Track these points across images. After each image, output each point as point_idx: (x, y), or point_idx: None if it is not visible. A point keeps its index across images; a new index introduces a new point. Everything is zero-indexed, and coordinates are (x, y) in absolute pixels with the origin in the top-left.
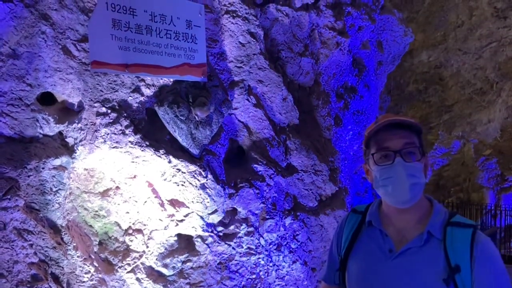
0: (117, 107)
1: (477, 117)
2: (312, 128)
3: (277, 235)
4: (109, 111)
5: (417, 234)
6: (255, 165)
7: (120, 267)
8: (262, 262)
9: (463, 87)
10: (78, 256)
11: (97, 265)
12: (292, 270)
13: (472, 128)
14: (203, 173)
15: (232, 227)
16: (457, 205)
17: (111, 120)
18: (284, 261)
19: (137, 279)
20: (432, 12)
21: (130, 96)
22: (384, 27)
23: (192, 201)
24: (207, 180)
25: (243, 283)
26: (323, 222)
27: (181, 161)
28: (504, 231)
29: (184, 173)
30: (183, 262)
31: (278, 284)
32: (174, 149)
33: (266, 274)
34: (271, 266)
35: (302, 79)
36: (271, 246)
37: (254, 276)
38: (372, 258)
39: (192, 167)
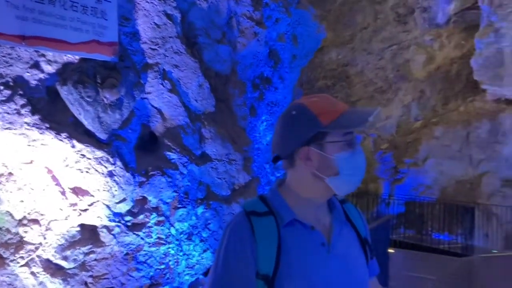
0: (11, 83)
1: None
2: (227, 117)
3: (189, 224)
4: (1, 87)
5: (331, 220)
6: (168, 153)
7: (12, 261)
8: (172, 252)
9: (366, 85)
10: None
11: None
12: (203, 259)
13: (372, 124)
14: (111, 159)
15: (141, 217)
16: (356, 195)
17: (4, 98)
18: (195, 250)
19: (32, 273)
20: (342, 12)
21: (28, 72)
22: (300, 21)
23: (98, 189)
24: (115, 167)
25: (151, 273)
26: (235, 211)
27: (87, 146)
28: (396, 219)
29: (90, 159)
30: (86, 254)
31: (188, 273)
32: (79, 133)
33: (175, 263)
34: (181, 256)
35: (219, 66)
36: (182, 235)
37: (163, 266)
38: (309, 258)
39: (99, 153)
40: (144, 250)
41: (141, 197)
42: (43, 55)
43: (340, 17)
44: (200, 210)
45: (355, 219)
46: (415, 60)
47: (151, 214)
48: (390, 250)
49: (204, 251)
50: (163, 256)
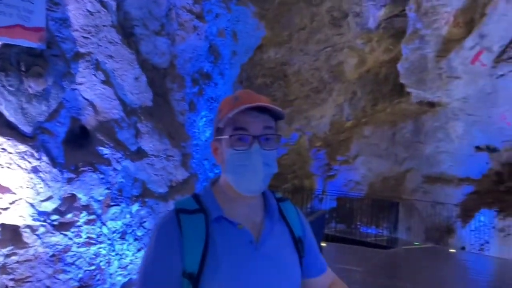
0: None
1: (312, 112)
2: (165, 111)
3: (122, 223)
4: None
5: (263, 217)
6: (100, 148)
7: None
8: (104, 252)
9: (302, 85)
10: None
11: None
12: (137, 258)
13: (308, 122)
14: (36, 154)
15: (69, 215)
16: (292, 191)
17: None
18: (128, 250)
19: None
20: (281, 12)
21: None
22: (239, 18)
23: (21, 187)
24: (40, 162)
25: (80, 275)
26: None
27: (8, 139)
28: (328, 214)
29: (11, 153)
30: (7, 256)
31: (121, 274)
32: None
33: (107, 264)
34: (113, 256)
35: (157, 59)
36: (114, 234)
37: (93, 267)
38: (235, 256)
39: (22, 147)
40: (73, 251)
41: (70, 195)
42: None
43: (278, 17)
44: (135, 207)
45: (291, 218)
46: (347, 62)
47: (81, 213)
48: (323, 244)
49: (139, 250)
50: (94, 256)
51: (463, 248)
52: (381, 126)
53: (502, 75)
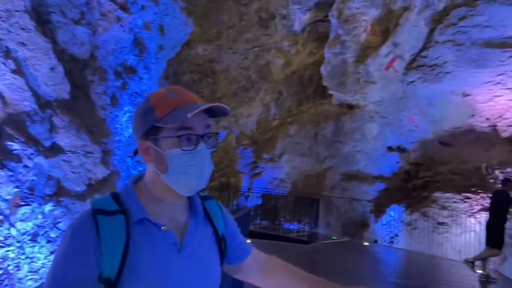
0: None
1: (240, 110)
2: (84, 105)
3: (34, 224)
4: None
5: (187, 217)
6: (9, 143)
7: None
8: (12, 255)
9: (231, 83)
10: None
11: None
12: (50, 262)
13: (236, 120)
14: None
15: None
16: (218, 189)
17: None
18: (40, 253)
19: None
20: (210, 9)
21: None
22: (167, 12)
23: None
24: None
25: None
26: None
27: None
28: (253, 210)
29: None
30: None
31: (31, 278)
32: None
33: (16, 268)
34: (23, 259)
35: (76, 49)
36: (24, 236)
37: (0, 272)
38: (158, 259)
39: None
40: None
41: None
42: None
43: (207, 14)
44: (48, 207)
45: (215, 217)
46: (274, 63)
47: None
48: (248, 241)
49: (52, 253)
50: (1, 260)
51: (375, 241)
52: (305, 126)
53: (412, 82)
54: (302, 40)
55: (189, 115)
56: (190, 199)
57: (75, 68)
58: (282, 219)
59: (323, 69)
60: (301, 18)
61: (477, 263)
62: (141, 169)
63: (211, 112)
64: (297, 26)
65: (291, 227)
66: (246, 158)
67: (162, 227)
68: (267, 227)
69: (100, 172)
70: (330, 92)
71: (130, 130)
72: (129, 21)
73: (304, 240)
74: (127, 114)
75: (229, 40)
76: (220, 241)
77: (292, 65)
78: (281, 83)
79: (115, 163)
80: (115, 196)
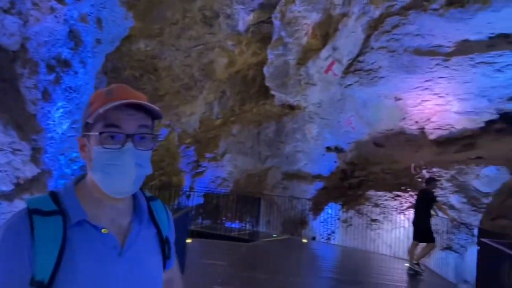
0: None
1: (182, 109)
2: (13, 99)
3: None
4: None
5: (131, 218)
6: None
7: None
8: None
9: (173, 80)
10: None
11: None
12: None
13: (178, 119)
14: None
15: None
16: (159, 188)
17: None
18: None
19: None
20: (153, 4)
21: None
22: (105, 4)
23: None
24: None
25: None
26: (20, 208)
27: None
28: (195, 210)
29: None
30: None
31: None
32: None
33: None
34: None
35: (5, 40)
36: None
37: None
38: (96, 263)
39: None
40: None
41: None
42: None
43: (150, 9)
44: None
45: (160, 218)
46: (218, 62)
47: None
48: (188, 240)
49: None
50: None
51: (313, 238)
52: (247, 125)
53: (349, 85)
54: (246, 40)
55: (100, 110)
56: (135, 200)
57: (4, 60)
58: (224, 218)
59: (266, 70)
60: (245, 18)
61: (415, 258)
62: (75, 167)
63: (152, 114)
64: (241, 26)
65: (233, 226)
66: (188, 157)
67: (102, 230)
68: (209, 226)
69: (30, 171)
70: (273, 92)
71: (64, 127)
72: (64, 12)
73: (245, 238)
74: (61, 110)
75: (172, 36)
76: (164, 243)
77: (236, 65)
78: (225, 82)
79: (47, 161)
80: (54, 196)
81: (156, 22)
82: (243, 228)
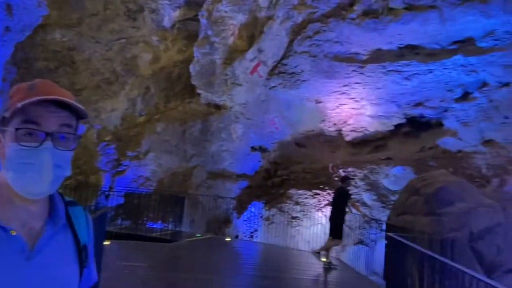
0: None
1: (102, 104)
2: None
3: None
4: None
5: (45, 223)
6: None
7: None
8: None
9: (93, 74)
10: None
11: None
12: None
13: (97, 115)
14: None
15: None
16: (75, 188)
17: None
18: None
19: None
20: None
21: None
22: None
23: None
24: None
25: None
26: None
27: None
28: (114, 210)
29: None
30: None
31: None
32: None
33: None
34: None
35: None
36: None
37: None
38: (2, 267)
39: None
40: None
41: None
42: None
43: None
44: None
45: (78, 224)
46: (142, 57)
47: None
48: (106, 242)
49: None
50: None
51: (237, 236)
52: (172, 123)
53: (274, 87)
54: (171, 37)
55: (19, 105)
56: (51, 203)
57: None
58: (145, 219)
59: (192, 68)
60: (170, 14)
61: (323, 252)
62: None
63: (77, 114)
64: (167, 22)
65: (155, 226)
66: (108, 155)
67: (11, 232)
68: (129, 227)
69: None
70: (199, 91)
71: None
72: None
73: (167, 238)
74: None
75: (92, 28)
76: (81, 251)
77: (161, 61)
78: (149, 78)
79: None
80: None
81: (74, 11)
82: (166, 228)
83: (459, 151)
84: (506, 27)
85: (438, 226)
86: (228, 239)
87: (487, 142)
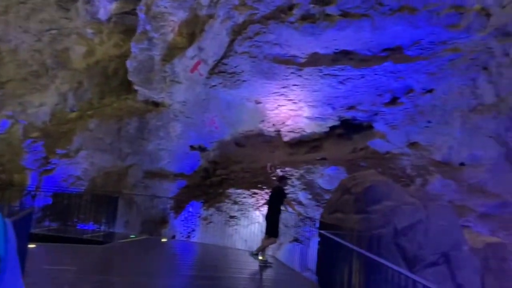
0: None
1: (29, 98)
2: None
3: None
4: None
5: None
6: None
7: None
8: None
9: (20, 66)
10: None
11: None
12: None
13: (23, 109)
14: None
15: None
16: None
17: None
18: None
19: None
20: None
21: None
22: None
23: None
24: None
25: None
26: None
27: None
28: (41, 211)
29: None
30: None
31: None
32: None
33: None
34: None
35: None
36: None
37: None
38: None
39: None
40: None
41: None
42: None
43: None
44: None
45: None
46: (75, 50)
47: None
48: (31, 245)
49: None
50: None
51: (173, 237)
52: (107, 120)
53: (214, 86)
54: (107, 30)
55: None
56: None
57: None
58: (76, 220)
59: (129, 64)
60: (106, 7)
61: (261, 252)
62: None
63: None
64: (102, 15)
65: (86, 227)
66: (35, 152)
67: None
68: (57, 229)
69: None
70: (136, 87)
71: None
72: None
73: (99, 240)
74: None
75: (20, 17)
76: None
77: (96, 55)
78: (82, 72)
79: None
80: None
81: None
82: (98, 230)
83: (387, 152)
84: (430, 38)
85: (367, 223)
86: (164, 239)
87: (412, 145)
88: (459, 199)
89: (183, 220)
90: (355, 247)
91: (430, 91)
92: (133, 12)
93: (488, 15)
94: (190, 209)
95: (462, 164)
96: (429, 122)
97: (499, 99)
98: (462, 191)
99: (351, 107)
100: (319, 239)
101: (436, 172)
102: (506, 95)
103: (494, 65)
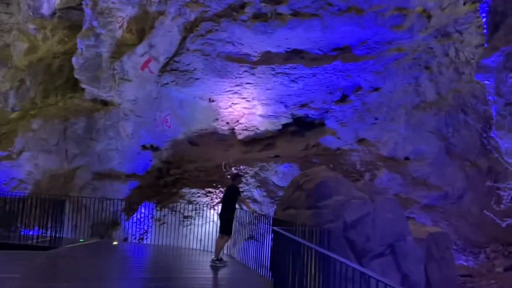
0: None
1: None
2: None
3: None
4: None
5: None
6: None
7: None
8: None
9: None
10: None
11: None
12: None
13: None
14: None
15: None
16: None
17: None
18: None
19: None
20: None
21: None
22: None
23: None
24: None
25: None
26: None
27: None
28: None
29: None
30: None
31: None
32: None
33: None
34: None
35: None
36: None
37: None
38: None
39: None
40: None
41: None
42: None
43: None
44: None
45: None
46: (16, 46)
47: None
48: None
49: None
50: None
51: (125, 239)
52: (51, 120)
53: (166, 84)
54: (51, 26)
55: None
56: None
57: None
58: (19, 225)
59: (75, 61)
60: (50, 1)
61: (215, 255)
62: None
63: None
64: (46, 10)
65: (31, 233)
66: None
67: None
68: None
69: None
70: (83, 86)
71: None
72: None
73: (45, 246)
74: None
75: None
76: None
77: (39, 52)
78: (24, 70)
79: None
80: None
81: None
82: (43, 235)
83: (338, 149)
84: (376, 38)
85: (318, 218)
86: (115, 242)
87: (361, 141)
88: (404, 192)
89: (135, 222)
90: (306, 242)
91: (377, 89)
92: (78, 7)
93: (429, 16)
94: (143, 211)
95: (406, 158)
96: (376, 119)
97: (439, 97)
98: (407, 184)
99: (303, 105)
100: (272, 236)
101: (383, 167)
102: (446, 93)
103: (435, 64)
